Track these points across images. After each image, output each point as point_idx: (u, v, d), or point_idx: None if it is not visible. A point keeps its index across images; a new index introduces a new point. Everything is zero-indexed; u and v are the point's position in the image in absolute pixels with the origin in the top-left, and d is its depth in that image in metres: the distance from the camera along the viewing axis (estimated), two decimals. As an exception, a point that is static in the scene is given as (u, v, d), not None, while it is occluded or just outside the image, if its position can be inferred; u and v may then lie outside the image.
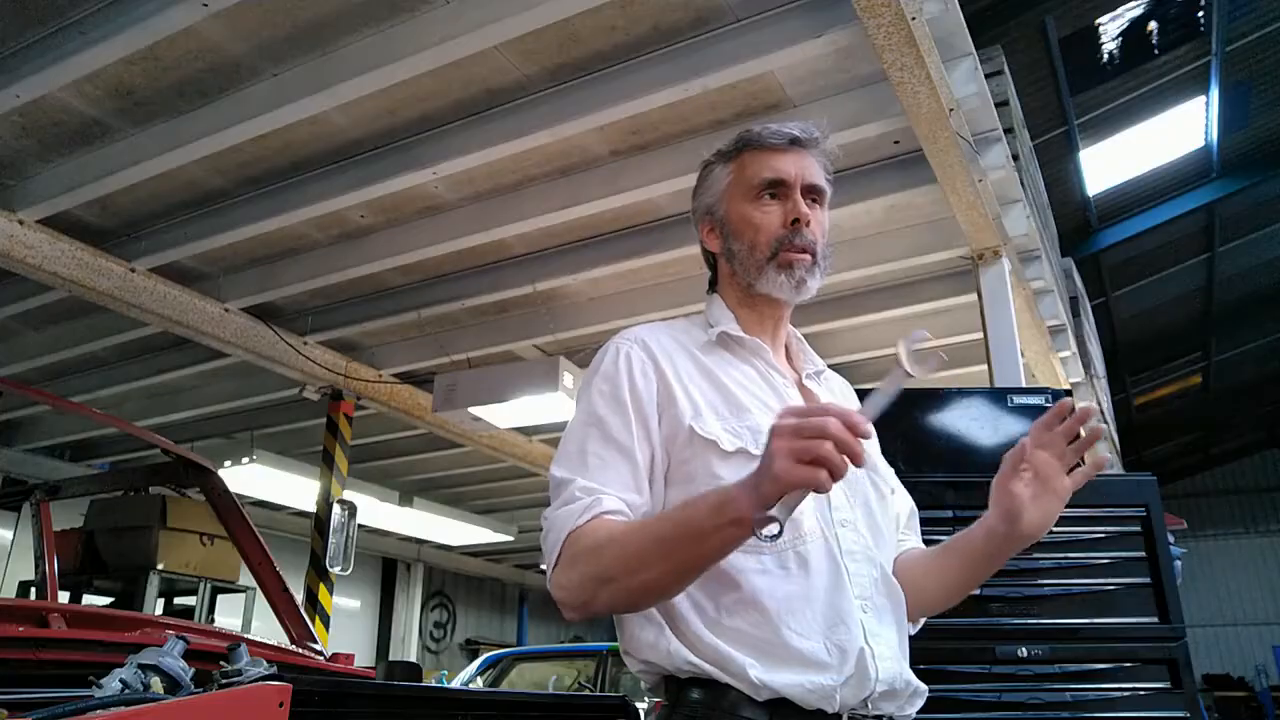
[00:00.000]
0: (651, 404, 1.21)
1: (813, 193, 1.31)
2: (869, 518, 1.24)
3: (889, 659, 1.13)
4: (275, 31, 3.31)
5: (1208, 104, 8.18)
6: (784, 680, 1.06)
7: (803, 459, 0.91)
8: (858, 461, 0.92)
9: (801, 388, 1.33)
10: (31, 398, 6.49)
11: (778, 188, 1.29)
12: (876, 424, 1.44)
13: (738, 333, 1.30)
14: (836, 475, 0.91)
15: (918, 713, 1.19)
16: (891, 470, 1.38)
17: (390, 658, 11.92)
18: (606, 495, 1.12)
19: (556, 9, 3.03)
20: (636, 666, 1.16)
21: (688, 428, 1.18)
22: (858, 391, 1.49)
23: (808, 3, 3.12)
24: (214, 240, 4.53)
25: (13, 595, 5.60)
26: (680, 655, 1.10)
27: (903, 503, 1.40)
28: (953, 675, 2.13)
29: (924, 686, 1.19)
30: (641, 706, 2.08)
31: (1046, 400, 2.65)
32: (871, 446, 1.37)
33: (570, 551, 1.10)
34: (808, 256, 1.28)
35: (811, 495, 1.16)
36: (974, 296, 4.29)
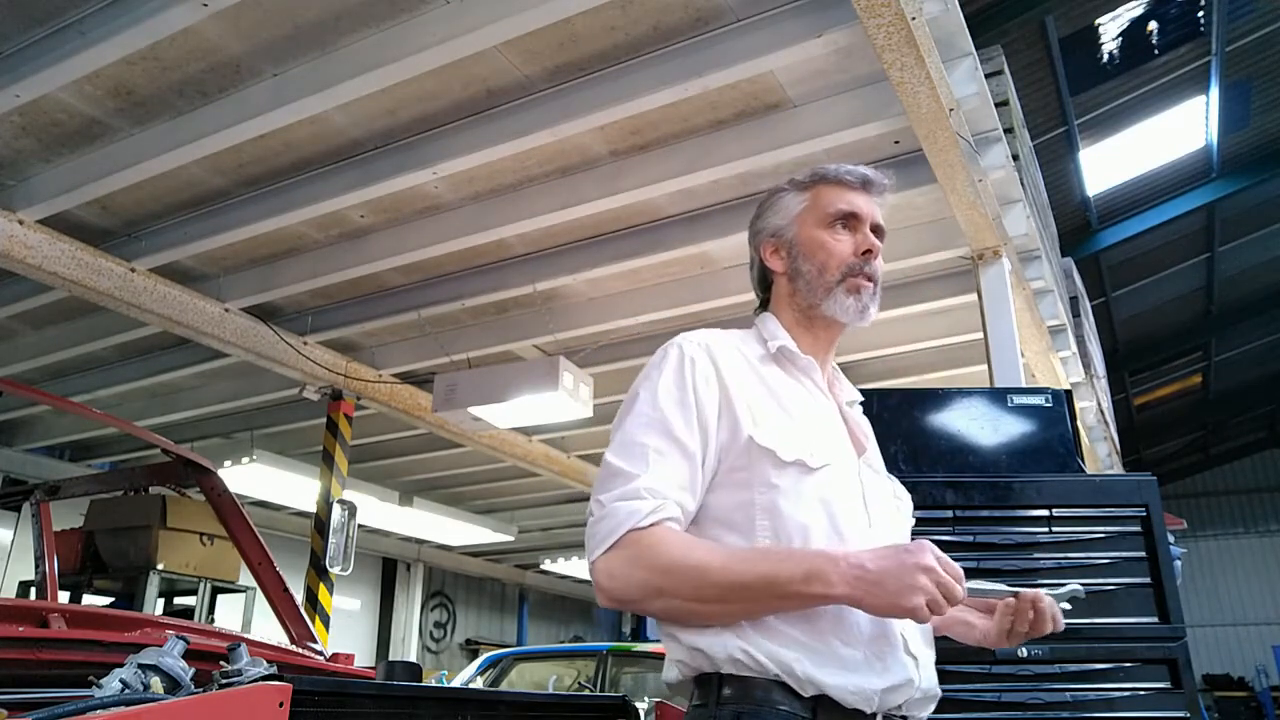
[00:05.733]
0: (712, 408, 1.24)
1: (878, 232, 1.41)
2: (896, 531, 1.32)
3: (928, 667, 1.22)
4: (275, 31, 3.32)
5: (1208, 104, 8.18)
6: (830, 678, 1.11)
7: (928, 600, 1.06)
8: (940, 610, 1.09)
9: (841, 414, 1.39)
10: (31, 398, 6.49)
11: (850, 220, 1.39)
12: (875, 427, 1.51)
13: (795, 349, 1.35)
14: (927, 618, 1.08)
15: None
16: (896, 482, 1.43)
17: (390, 658, 11.90)
18: (667, 501, 1.17)
19: (556, 9, 3.03)
20: (680, 654, 1.18)
21: (747, 437, 1.22)
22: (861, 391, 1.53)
23: (808, 3, 3.12)
24: (214, 240, 4.53)
25: (13, 595, 5.61)
26: (734, 644, 1.13)
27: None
28: (953, 675, 2.13)
29: (940, 690, 1.25)
30: (641, 706, 2.08)
31: (1046, 400, 2.64)
32: (873, 448, 1.43)
33: (632, 550, 1.14)
34: (872, 284, 1.37)
35: (846, 514, 1.23)
36: (974, 296, 4.28)
